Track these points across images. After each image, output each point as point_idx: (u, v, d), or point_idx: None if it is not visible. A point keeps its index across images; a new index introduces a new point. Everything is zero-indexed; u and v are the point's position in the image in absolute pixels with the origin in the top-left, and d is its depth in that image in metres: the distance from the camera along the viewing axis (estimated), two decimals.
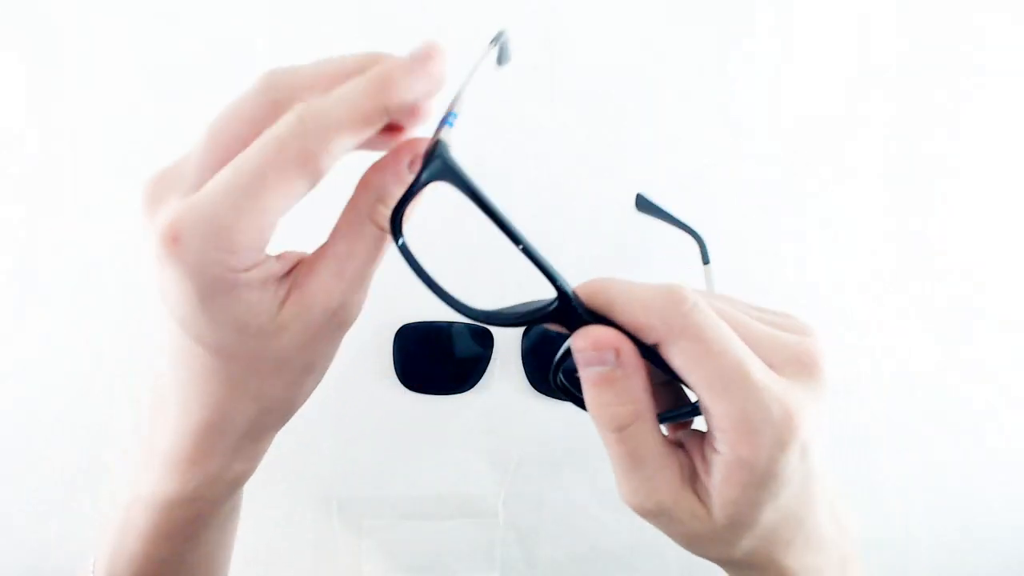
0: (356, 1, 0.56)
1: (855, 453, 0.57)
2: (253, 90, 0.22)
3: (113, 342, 0.53)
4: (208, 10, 0.55)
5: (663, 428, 0.25)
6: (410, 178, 0.22)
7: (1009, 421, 0.58)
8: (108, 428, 0.53)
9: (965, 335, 0.58)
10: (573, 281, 0.23)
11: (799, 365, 0.23)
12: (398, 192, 0.23)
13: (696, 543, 0.24)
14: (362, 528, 0.56)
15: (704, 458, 0.23)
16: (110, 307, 0.53)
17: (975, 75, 0.58)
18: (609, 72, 0.57)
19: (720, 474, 0.22)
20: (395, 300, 0.57)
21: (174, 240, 0.20)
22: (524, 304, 0.24)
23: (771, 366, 0.22)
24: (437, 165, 0.21)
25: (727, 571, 0.27)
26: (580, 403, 0.26)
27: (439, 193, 0.22)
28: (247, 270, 0.21)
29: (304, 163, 0.20)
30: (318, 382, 0.27)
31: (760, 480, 0.22)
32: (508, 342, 0.56)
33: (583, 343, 0.22)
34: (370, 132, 0.21)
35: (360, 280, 0.24)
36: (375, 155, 0.25)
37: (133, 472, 0.28)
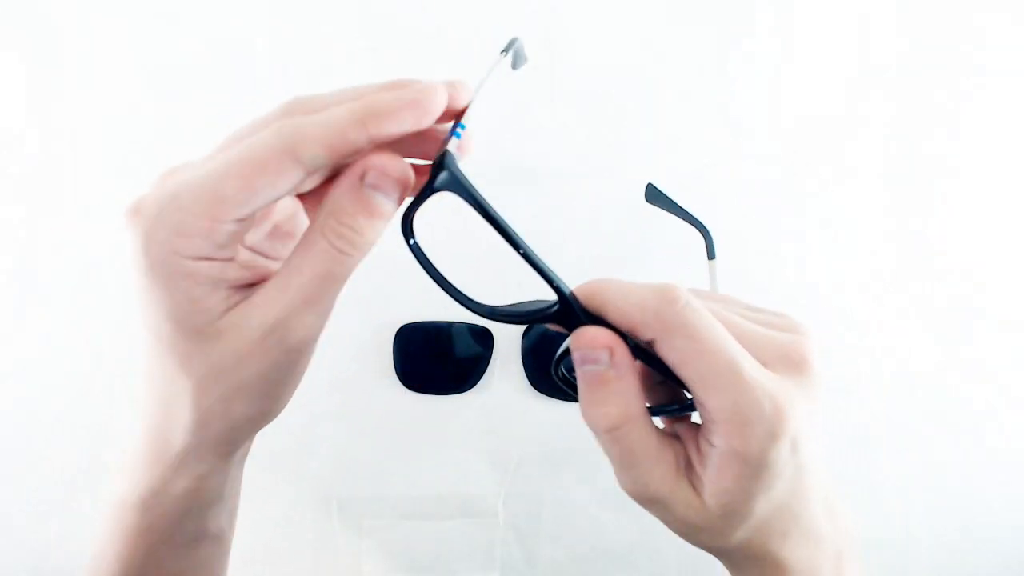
0: (356, 1, 0.56)
1: (855, 453, 0.57)
2: (273, 111, 0.23)
3: (113, 342, 0.53)
4: (208, 10, 0.55)
5: (659, 421, 0.25)
6: (371, 194, 0.23)
7: (1009, 421, 0.58)
8: (108, 428, 0.53)
9: (965, 335, 0.58)
10: (572, 282, 0.23)
11: (789, 362, 0.23)
12: (351, 208, 0.22)
13: (691, 532, 0.25)
14: (362, 528, 0.56)
15: (699, 450, 0.24)
16: (110, 307, 0.53)
17: (975, 75, 0.58)
18: (609, 72, 0.57)
19: (714, 465, 0.23)
20: (395, 300, 0.57)
21: (135, 212, 0.22)
22: (527, 303, 0.25)
23: (763, 363, 0.23)
24: (444, 177, 0.22)
25: (724, 562, 0.28)
26: (576, 395, 0.27)
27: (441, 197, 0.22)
28: (195, 259, 0.21)
29: (267, 162, 0.21)
30: (263, 415, 0.25)
31: (752, 471, 0.22)
32: (508, 342, 0.56)
33: (579, 342, 0.23)
34: (349, 148, 0.21)
35: (307, 300, 0.23)
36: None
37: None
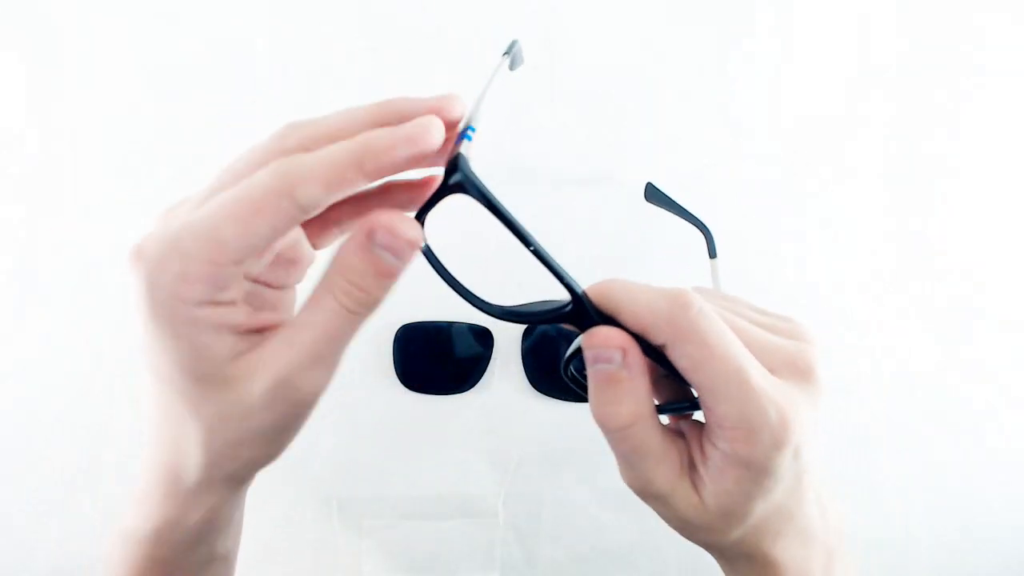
0: (356, 1, 0.56)
1: (855, 453, 0.57)
2: (269, 137, 0.23)
3: (113, 342, 0.53)
4: (208, 10, 0.55)
5: (663, 418, 0.26)
6: (381, 253, 0.22)
7: (1009, 421, 0.58)
8: (108, 428, 0.53)
9: (965, 335, 0.58)
10: (578, 282, 0.23)
11: (795, 370, 0.24)
12: (360, 267, 0.22)
13: (688, 529, 0.26)
14: (362, 528, 0.56)
15: (703, 450, 0.24)
16: (110, 307, 0.53)
17: (975, 75, 0.58)
18: (609, 72, 0.57)
19: (716, 467, 0.23)
20: (395, 300, 0.57)
21: (137, 255, 0.21)
22: (539, 303, 0.25)
23: (770, 369, 0.23)
24: (458, 179, 0.22)
25: (716, 558, 0.28)
26: (587, 394, 0.27)
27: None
28: (199, 304, 0.21)
29: (265, 204, 0.20)
30: (271, 453, 0.26)
31: (755, 476, 0.23)
32: (508, 342, 0.56)
33: (592, 341, 0.23)
34: (347, 191, 0.21)
35: (315, 357, 0.23)
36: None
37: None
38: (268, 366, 0.22)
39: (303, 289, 0.25)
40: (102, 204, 0.54)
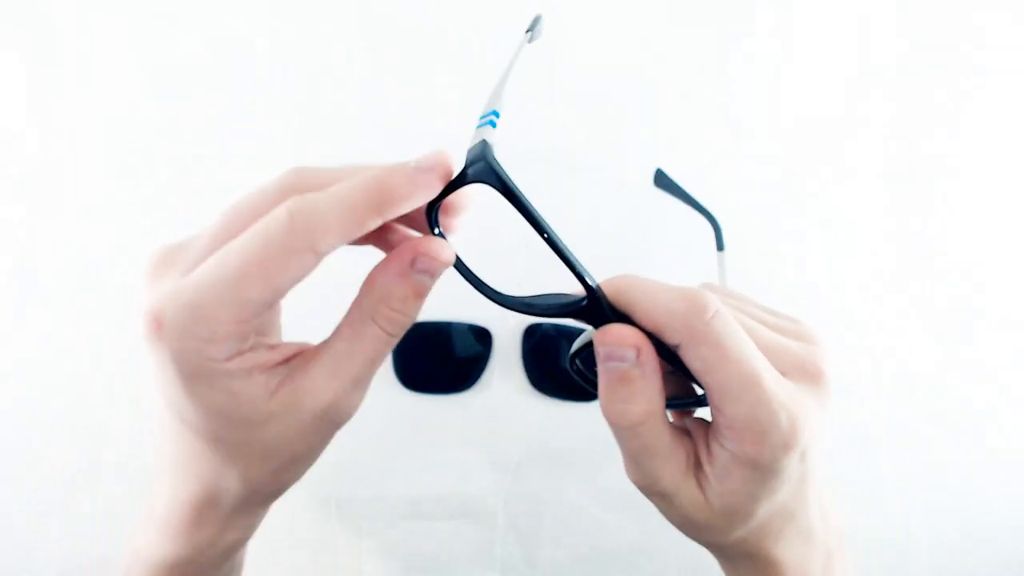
0: (356, 1, 0.56)
1: (855, 453, 0.57)
2: (273, 182, 0.22)
3: (113, 342, 0.53)
4: (208, 10, 0.55)
5: (668, 415, 0.26)
6: (419, 277, 0.23)
7: (1009, 421, 0.58)
8: (108, 428, 0.53)
9: (965, 335, 0.58)
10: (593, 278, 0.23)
11: (805, 372, 0.24)
12: (401, 292, 0.23)
13: (692, 528, 0.26)
14: (362, 528, 0.56)
15: (709, 449, 0.24)
16: (110, 307, 0.53)
17: (975, 75, 0.59)
18: (609, 72, 0.57)
19: (723, 467, 0.23)
20: None
21: (156, 325, 0.21)
22: (552, 296, 0.25)
23: (780, 372, 0.23)
24: (481, 168, 0.21)
25: (717, 557, 0.28)
26: (594, 388, 0.27)
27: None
28: (228, 359, 0.21)
29: (288, 260, 0.20)
30: (309, 467, 0.26)
31: (761, 477, 0.23)
32: (508, 342, 0.56)
33: (606, 339, 0.23)
34: (363, 233, 0.21)
35: (356, 381, 0.24)
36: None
37: (135, 529, 0.28)
38: (314, 398, 0.23)
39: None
40: (102, 204, 0.54)
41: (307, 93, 0.56)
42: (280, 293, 0.21)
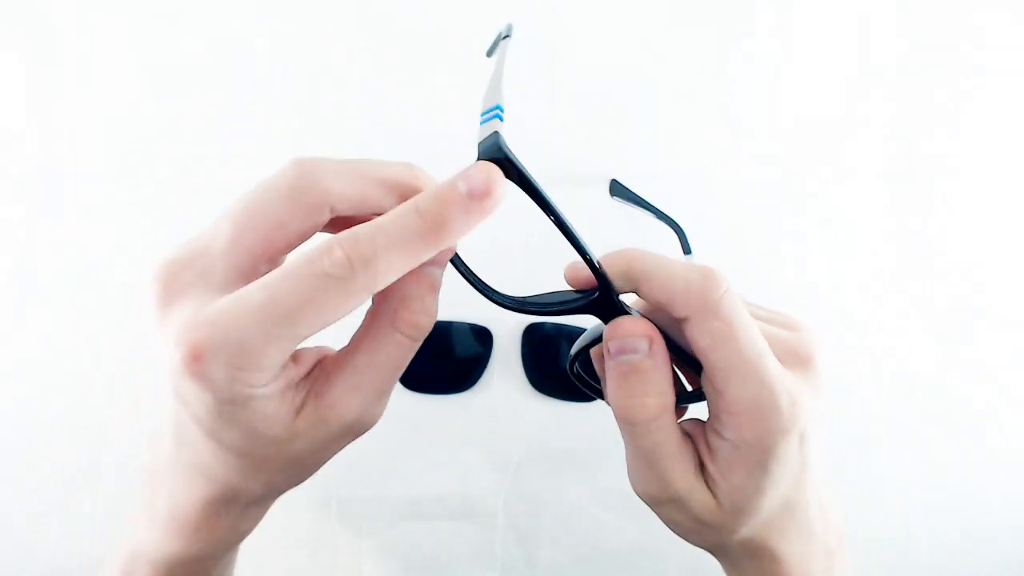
0: (356, 1, 0.56)
1: (855, 453, 0.57)
2: (282, 181, 0.21)
3: (113, 342, 0.53)
4: (208, 10, 0.55)
5: None
6: (431, 270, 0.22)
7: (1009, 421, 0.58)
8: (108, 428, 0.53)
9: (965, 335, 0.58)
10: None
11: (798, 359, 0.24)
12: (419, 292, 0.22)
13: (700, 530, 0.25)
14: (362, 528, 0.56)
15: (709, 445, 0.24)
16: (110, 307, 0.53)
17: (975, 75, 0.58)
18: (609, 72, 0.57)
19: (726, 460, 0.23)
20: None
21: (195, 359, 0.19)
22: (556, 293, 0.24)
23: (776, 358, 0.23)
24: (499, 157, 0.21)
25: (720, 558, 0.28)
26: (594, 391, 0.27)
27: None
28: (266, 385, 0.21)
29: (347, 302, 0.20)
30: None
31: (763, 464, 0.23)
32: (508, 342, 0.56)
33: (617, 331, 0.23)
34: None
35: (381, 393, 0.23)
36: None
37: (132, 528, 0.27)
38: (339, 414, 0.22)
39: None
40: (102, 204, 0.54)
41: (307, 93, 0.56)
42: (329, 325, 0.20)
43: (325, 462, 0.25)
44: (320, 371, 0.23)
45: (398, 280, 0.21)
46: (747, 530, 0.25)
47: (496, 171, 0.21)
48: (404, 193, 0.22)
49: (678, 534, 0.27)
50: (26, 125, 0.54)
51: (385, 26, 0.56)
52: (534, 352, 0.56)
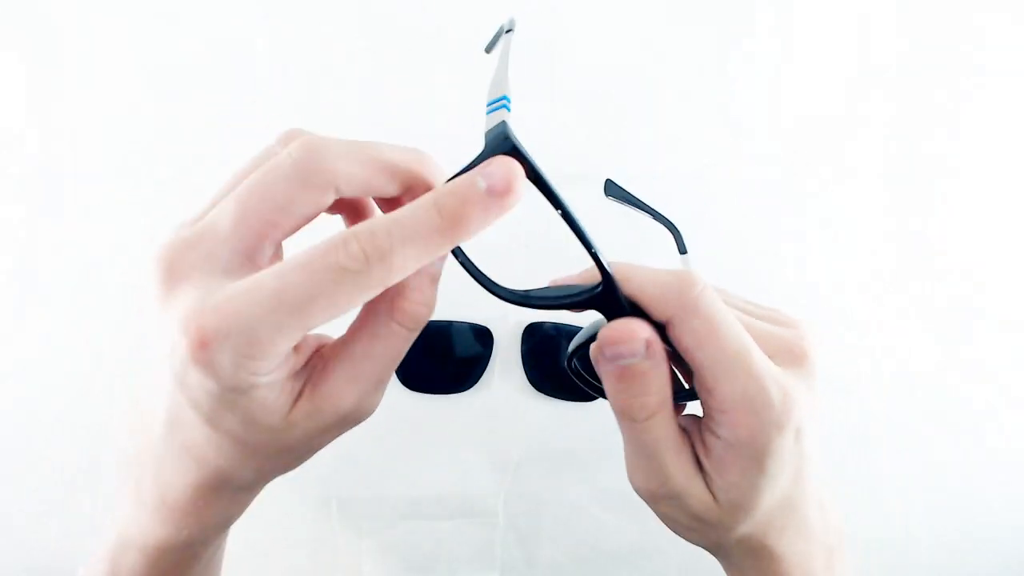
0: (356, 1, 0.56)
1: (855, 453, 0.57)
2: (288, 166, 0.21)
3: (113, 342, 0.53)
4: (208, 10, 0.55)
5: None
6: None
7: (1009, 421, 0.58)
8: (108, 428, 0.53)
9: (965, 335, 0.58)
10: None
11: (791, 355, 0.24)
12: (415, 281, 0.22)
13: (698, 528, 0.25)
14: (362, 528, 0.56)
15: (704, 443, 0.24)
16: (110, 307, 0.53)
17: (975, 75, 0.58)
18: (609, 72, 0.57)
19: (720, 458, 0.23)
20: None
21: (202, 345, 0.19)
22: (560, 288, 0.24)
23: (768, 355, 0.23)
24: (506, 148, 0.21)
25: (720, 558, 0.28)
26: (593, 388, 0.27)
27: None
28: (270, 373, 0.20)
29: (361, 295, 0.20)
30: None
31: (759, 461, 0.23)
32: (508, 342, 0.56)
33: (616, 336, 0.23)
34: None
35: (377, 384, 0.23)
36: None
37: (120, 515, 0.27)
38: (335, 405, 0.22)
39: None
40: (102, 204, 0.54)
41: (307, 93, 0.56)
42: (338, 317, 0.20)
43: (318, 450, 0.25)
44: (318, 360, 0.23)
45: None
46: (745, 528, 0.25)
47: (516, 167, 0.21)
48: (410, 180, 0.22)
49: (676, 532, 0.27)
50: (26, 125, 0.54)
51: (385, 26, 0.56)
52: (534, 352, 0.56)
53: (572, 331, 0.26)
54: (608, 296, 0.23)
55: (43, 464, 0.53)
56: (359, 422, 0.24)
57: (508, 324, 0.55)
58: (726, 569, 0.28)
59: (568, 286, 0.24)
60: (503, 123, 0.21)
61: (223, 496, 0.24)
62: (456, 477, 0.56)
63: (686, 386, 0.26)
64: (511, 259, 0.50)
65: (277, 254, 0.24)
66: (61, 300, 0.54)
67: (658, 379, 0.23)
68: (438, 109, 0.55)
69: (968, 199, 0.59)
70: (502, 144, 0.21)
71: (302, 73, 0.56)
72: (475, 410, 0.56)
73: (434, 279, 0.22)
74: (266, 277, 0.19)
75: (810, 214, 0.58)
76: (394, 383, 0.56)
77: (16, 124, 0.54)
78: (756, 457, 0.23)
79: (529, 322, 0.55)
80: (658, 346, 0.23)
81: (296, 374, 0.22)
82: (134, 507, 0.26)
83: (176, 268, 0.21)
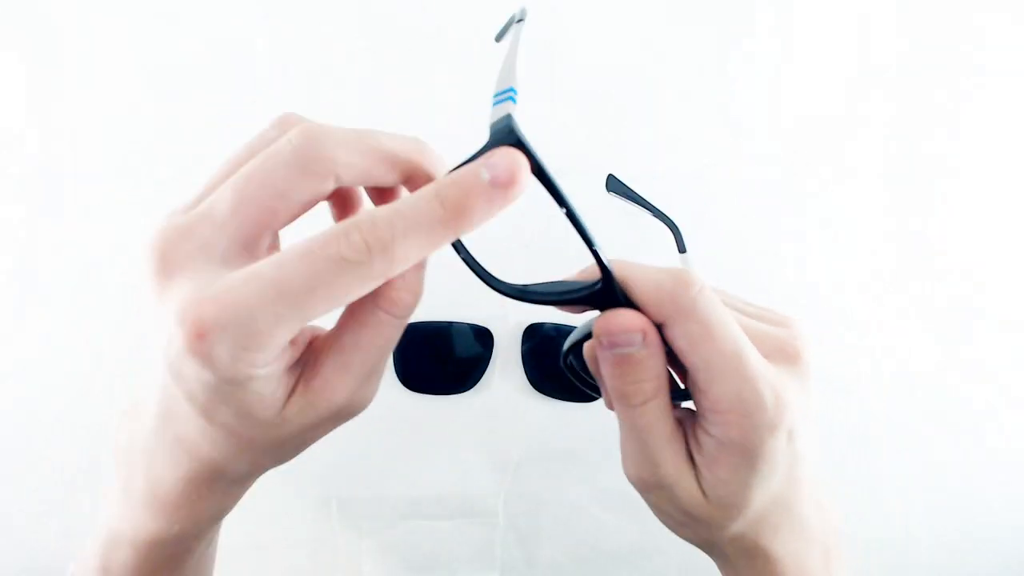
0: (356, 1, 0.56)
1: (855, 453, 0.57)
2: (287, 153, 0.21)
3: (113, 342, 0.53)
4: (208, 10, 0.55)
5: None
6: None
7: (1009, 421, 0.58)
8: (108, 428, 0.53)
9: (965, 335, 0.58)
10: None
11: (785, 355, 0.24)
12: (405, 273, 0.21)
13: (688, 523, 0.25)
14: (362, 528, 0.56)
15: (697, 439, 0.24)
16: (110, 307, 0.53)
17: (975, 75, 0.58)
18: (609, 72, 0.57)
19: (711, 455, 0.23)
20: None
21: (199, 337, 0.18)
22: (559, 283, 0.24)
23: (762, 355, 0.23)
24: (510, 141, 0.21)
25: (714, 557, 0.28)
26: (587, 386, 0.27)
27: None
28: (267, 365, 0.20)
29: (362, 286, 0.19)
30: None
31: (750, 461, 0.23)
32: (508, 342, 0.56)
33: (613, 326, 0.23)
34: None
35: (369, 374, 0.23)
36: None
37: (110, 509, 0.27)
38: (327, 398, 0.22)
39: None
40: (102, 204, 0.54)
41: (307, 93, 0.56)
42: (338, 307, 0.20)
43: (312, 443, 0.24)
44: (310, 352, 0.23)
45: None
46: (737, 527, 0.25)
47: (521, 159, 0.20)
48: (409, 170, 0.22)
49: (669, 527, 0.27)
50: (26, 125, 0.54)
51: (385, 26, 0.56)
52: (534, 352, 0.56)
53: (571, 330, 0.26)
54: (607, 294, 0.23)
55: (43, 464, 0.53)
56: (353, 416, 0.24)
57: (508, 324, 0.55)
58: (721, 569, 0.28)
59: (567, 282, 0.24)
60: (508, 116, 0.21)
61: (216, 489, 0.24)
62: (456, 477, 0.56)
63: (681, 386, 0.26)
64: (511, 257, 0.50)
65: (274, 244, 0.23)
66: (61, 300, 0.54)
67: (655, 366, 0.23)
68: (438, 109, 0.55)
69: (968, 199, 0.59)
70: (507, 137, 0.20)
71: (302, 73, 0.56)
72: (475, 410, 0.56)
73: (420, 266, 0.22)
74: (265, 267, 0.19)
75: (810, 214, 0.58)
76: (394, 383, 0.56)
77: (16, 124, 0.54)
78: (747, 457, 0.23)
79: (529, 322, 0.55)
80: (654, 335, 0.23)
81: (292, 367, 0.22)
82: (124, 501, 0.25)
83: (171, 257, 0.20)
